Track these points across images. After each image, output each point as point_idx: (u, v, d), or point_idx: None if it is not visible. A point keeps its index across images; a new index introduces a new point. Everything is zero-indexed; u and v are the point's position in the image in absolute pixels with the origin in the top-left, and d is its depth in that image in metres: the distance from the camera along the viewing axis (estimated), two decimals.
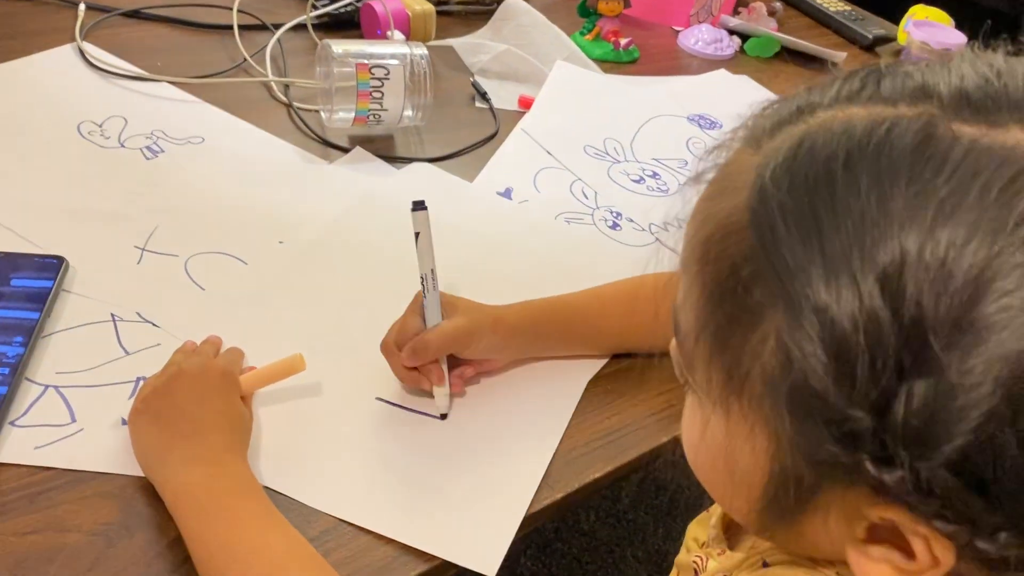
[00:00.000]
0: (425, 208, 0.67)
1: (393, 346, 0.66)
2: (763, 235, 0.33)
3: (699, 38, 1.33)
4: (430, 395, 0.67)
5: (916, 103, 0.33)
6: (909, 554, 0.34)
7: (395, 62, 0.93)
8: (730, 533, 0.53)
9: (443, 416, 0.67)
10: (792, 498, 0.37)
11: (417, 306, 0.67)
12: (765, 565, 0.43)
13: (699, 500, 0.55)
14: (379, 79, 0.92)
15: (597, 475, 0.65)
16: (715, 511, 0.54)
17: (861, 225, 0.31)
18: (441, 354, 0.67)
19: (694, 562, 0.54)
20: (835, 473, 0.34)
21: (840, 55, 1.35)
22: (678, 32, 1.37)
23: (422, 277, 0.67)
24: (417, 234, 0.67)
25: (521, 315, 0.71)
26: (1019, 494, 0.31)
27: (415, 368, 0.66)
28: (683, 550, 0.57)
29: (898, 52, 1.44)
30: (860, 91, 0.35)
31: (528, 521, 0.62)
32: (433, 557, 0.58)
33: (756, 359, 0.34)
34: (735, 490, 0.40)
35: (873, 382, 0.30)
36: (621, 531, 1.58)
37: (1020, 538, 0.32)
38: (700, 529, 0.56)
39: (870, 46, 1.45)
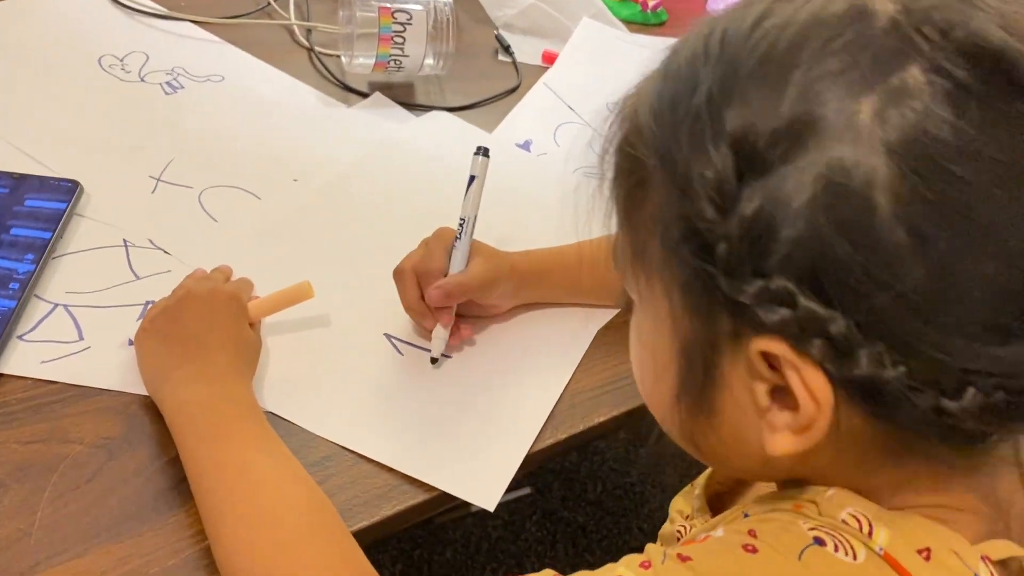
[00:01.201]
0: (488, 156, 0.68)
1: (409, 274, 0.66)
2: (644, 111, 0.38)
3: (729, 3, 1.31)
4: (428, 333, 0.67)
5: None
6: (797, 408, 0.36)
7: (418, 7, 0.92)
8: (714, 504, 0.52)
9: (434, 360, 0.66)
10: (699, 371, 0.39)
11: (442, 242, 0.67)
12: (746, 516, 0.43)
13: None
14: (401, 24, 0.91)
15: (602, 419, 0.65)
16: (699, 483, 0.54)
17: (710, 89, 0.36)
18: (467, 298, 0.66)
19: (677, 531, 0.54)
20: (716, 319, 0.37)
21: None
22: None
23: (462, 220, 0.67)
24: (472, 177, 0.68)
25: (532, 263, 0.71)
26: (854, 293, 0.33)
27: (422, 303, 0.66)
28: (667, 522, 0.56)
29: None
30: None
31: (530, 460, 0.61)
32: (432, 488, 0.58)
33: (647, 222, 0.39)
34: (659, 385, 0.43)
35: (716, 190, 0.35)
36: (628, 503, 1.58)
37: (880, 358, 0.33)
38: (684, 502, 0.55)
39: None
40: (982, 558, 0.38)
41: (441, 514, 0.59)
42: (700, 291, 0.37)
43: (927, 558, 0.36)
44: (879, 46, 0.33)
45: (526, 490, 1.53)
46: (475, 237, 0.69)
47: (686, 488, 0.56)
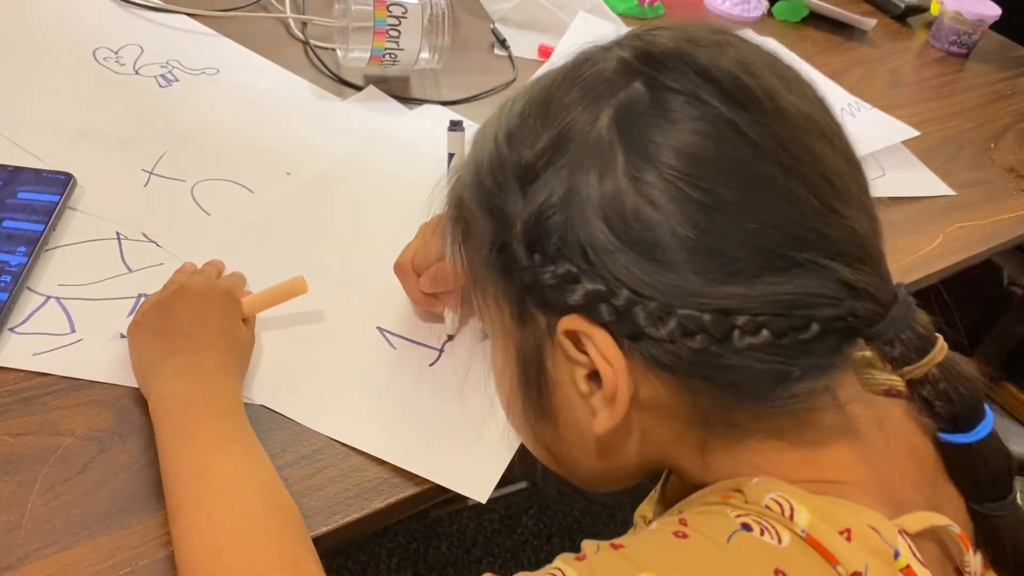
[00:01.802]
0: (463, 129, 0.66)
1: (409, 267, 0.66)
2: (464, 179, 0.46)
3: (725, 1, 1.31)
4: (437, 321, 0.68)
5: None
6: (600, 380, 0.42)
7: (414, 1, 0.91)
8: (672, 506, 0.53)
9: (450, 337, 0.67)
10: (533, 375, 0.45)
11: (434, 230, 0.66)
12: (680, 513, 0.44)
13: None
14: (396, 17, 0.91)
15: None
16: (658, 488, 0.55)
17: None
18: (453, 285, 0.66)
19: None
20: (533, 319, 0.43)
21: (870, 22, 1.33)
22: None
23: None
24: (451, 155, 0.66)
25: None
26: (615, 259, 0.39)
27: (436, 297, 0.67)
28: (631, 529, 0.56)
29: (930, 23, 1.40)
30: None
31: (523, 452, 0.61)
32: (424, 481, 0.58)
33: (471, 253, 0.46)
34: (512, 401, 0.48)
35: (512, 205, 0.42)
36: (624, 496, 1.58)
37: (652, 313, 0.39)
38: (647, 507, 0.56)
39: (901, 15, 1.42)
40: (900, 532, 0.40)
41: (437, 507, 0.59)
42: (515, 297, 0.43)
43: (848, 538, 0.38)
44: (610, 74, 0.41)
45: (522, 484, 1.53)
46: None
47: (650, 495, 0.56)
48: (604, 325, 0.40)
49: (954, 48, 1.35)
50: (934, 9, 1.41)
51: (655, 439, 0.45)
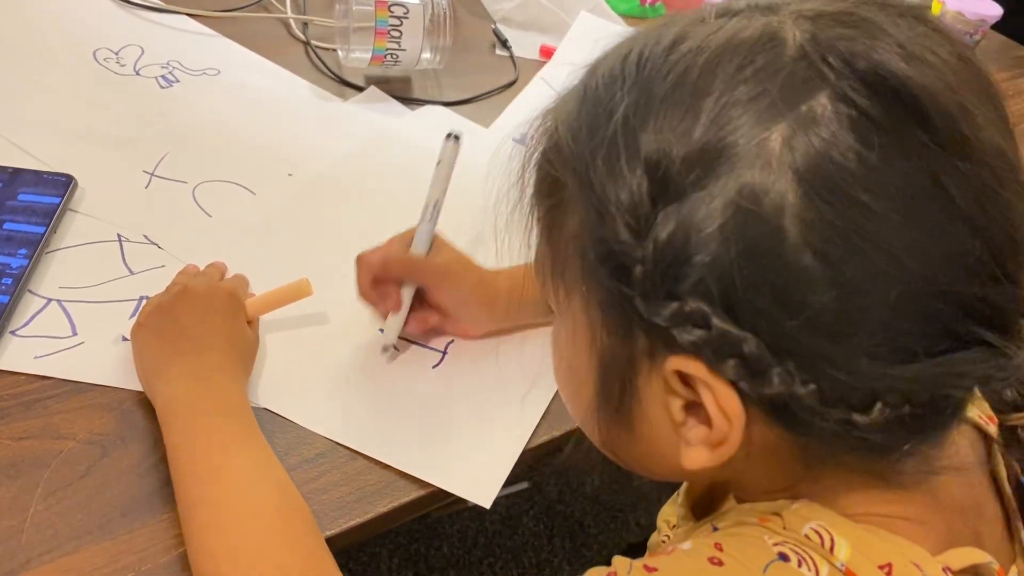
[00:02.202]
0: (458, 141, 0.65)
1: (364, 259, 0.63)
2: (564, 129, 0.39)
3: None
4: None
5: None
6: (710, 423, 0.37)
7: (415, 1, 0.91)
8: (697, 512, 0.52)
9: (385, 348, 0.64)
10: (616, 385, 0.40)
11: (407, 235, 0.65)
12: (715, 530, 0.43)
13: None
14: (398, 17, 0.90)
15: None
16: (681, 491, 0.54)
17: (626, 111, 0.36)
18: (405, 277, 0.63)
19: (662, 541, 0.54)
20: (632, 337, 0.38)
21: None
22: None
23: (426, 204, 0.64)
24: (440, 162, 0.65)
25: (504, 280, 0.67)
26: (765, 315, 0.34)
27: (381, 291, 0.64)
28: (655, 533, 0.56)
29: None
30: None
31: (525, 457, 0.61)
32: (427, 484, 0.57)
33: (566, 239, 0.40)
34: (579, 394, 0.44)
35: (632, 214, 0.35)
36: (625, 498, 1.58)
37: (790, 377, 0.35)
38: (671, 510, 0.55)
39: None
40: (944, 569, 0.38)
41: (438, 508, 0.58)
42: (617, 310, 0.38)
43: (888, 573, 0.37)
44: (788, 74, 0.34)
45: (524, 484, 1.53)
46: (471, 234, 0.68)
47: (673, 497, 0.56)
48: (726, 377, 0.36)
49: None
50: (935, 9, 1.40)
51: (742, 468, 0.40)
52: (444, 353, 0.67)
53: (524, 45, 1.08)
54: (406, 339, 0.67)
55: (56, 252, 0.67)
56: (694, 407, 0.38)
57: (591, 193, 0.37)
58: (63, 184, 0.70)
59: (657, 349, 0.37)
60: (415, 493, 0.57)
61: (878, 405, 0.35)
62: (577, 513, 1.54)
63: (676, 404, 0.39)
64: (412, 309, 0.65)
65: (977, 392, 0.40)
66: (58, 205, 0.68)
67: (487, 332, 0.68)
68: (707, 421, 0.37)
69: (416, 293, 0.64)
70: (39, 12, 0.92)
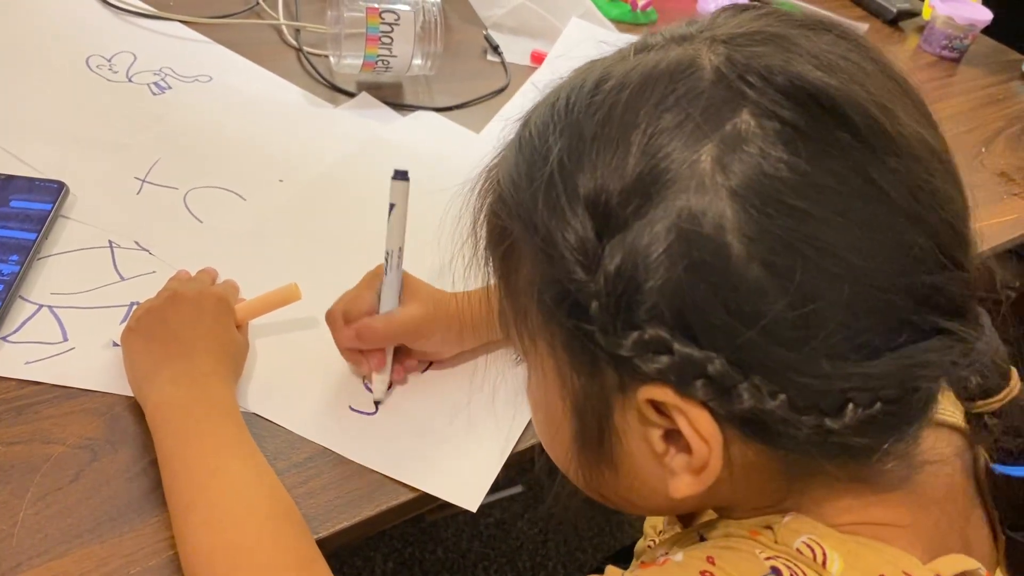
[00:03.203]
0: (407, 179, 0.61)
1: (339, 316, 0.62)
2: (505, 181, 0.40)
3: (719, 3, 1.31)
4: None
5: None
6: (690, 450, 0.37)
7: (406, 8, 0.92)
8: (685, 518, 0.53)
9: (377, 405, 0.63)
10: (592, 426, 0.40)
11: (375, 280, 0.63)
12: (702, 539, 0.43)
13: None
14: (389, 24, 0.91)
15: None
16: None
17: (560, 153, 0.37)
18: (388, 344, 0.62)
19: (648, 546, 0.54)
20: (601, 374, 0.38)
21: (861, 27, 1.33)
22: None
23: (387, 253, 0.61)
24: (392, 206, 0.61)
25: (477, 303, 0.63)
26: (723, 332, 0.34)
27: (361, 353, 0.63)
28: (642, 538, 0.56)
29: (922, 28, 1.41)
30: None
31: (513, 459, 0.62)
32: (415, 488, 0.58)
33: (522, 287, 0.40)
34: (557, 440, 0.44)
35: (580, 251, 0.36)
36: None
37: (758, 390, 0.35)
38: (657, 517, 0.55)
39: (894, 20, 1.42)
40: None
41: (432, 512, 0.59)
42: (581, 349, 0.38)
43: None
44: (708, 96, 0.35)
45: (517, 488, 1.53)
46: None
47: None
48: (696, 399, 0.36)
49: (946, 52, 1.36)
50: (926, 14, 1.41)
51: (728, 491, 0.40)
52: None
53: (515, 51, 1.09)
54: None
55: (47, 258, 0.67)
56: (673, 435, 0.38)
57: (537, 237, 0.37)
58: (55, 191, 0.71)
59: (627, 382, 0.37)
60: (403, 497, 0.58)
61: (849, 406, 0.35)
62: (572, 517, 1.54)
63: (655, 434, 0.38)
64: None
65: (944, 391, 0.41)
66: (49, 211, 0.69)
67: (464, 350, 0.67)
68: (687, 448, 0.37)
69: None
70: (32, 19, 0.93)
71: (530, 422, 0.64)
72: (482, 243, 0.43)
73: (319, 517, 0.55)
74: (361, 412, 0.62)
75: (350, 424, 0.61)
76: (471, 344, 0.67)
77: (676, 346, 0.35)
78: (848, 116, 0.34)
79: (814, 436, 0.36)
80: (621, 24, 1.20)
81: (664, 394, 0.36)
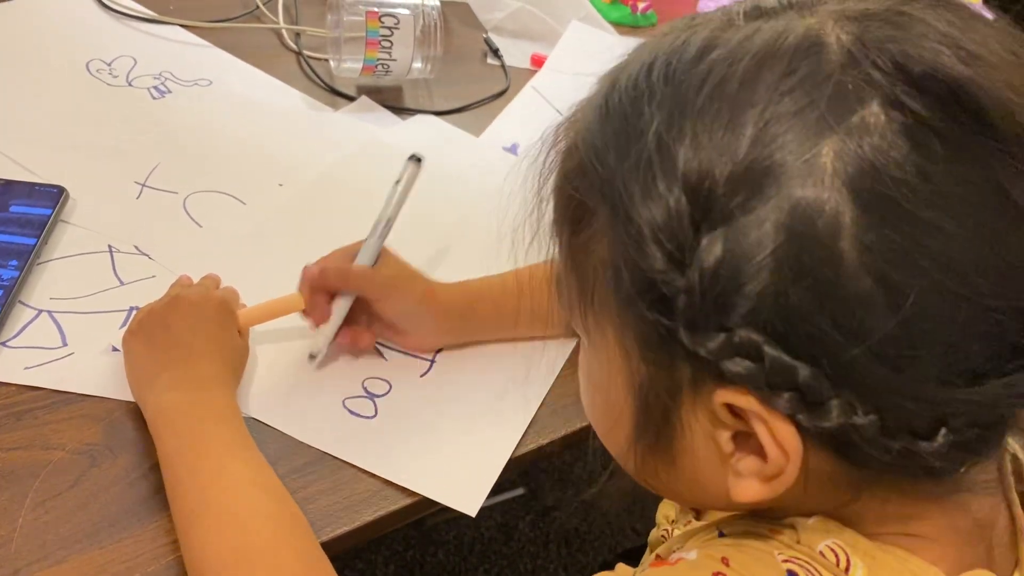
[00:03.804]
0: (420, 164, 0.65)
1: (306, 269, 0.63)
2: (587, 150, 0.36)
3: (720, 5, 1.31)
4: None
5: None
6: (764, 456, 0.35)
7: (405, 11, 0.92)
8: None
9: (311, 356, 0.63)
10: (656, 417, 0.38)
11: (355, 247, 0.64)
12: (721, 535, 0.42)
13: None
14: (389, 28, 0.91)
15: (584, 424, 0.65)
16: None
17: (658, 128, 0.34)
18: (341, 288, 0.63)
19: (662, 536, 0.54)
20: (674, 368, 0.35)
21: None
22: None
23: (377, 220, 0.64)
24: (398, 181, 0.65)
25: (455, 294, 0.66)
26: (822, 344, 0.32)
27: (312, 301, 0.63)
28: (655, 528, 0.56)
29: None
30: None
31: (511, 465, 0.61)
32: (414, 493, 0.58)
33: (595, 266, 0.37)
34: (615, 426, 0.41)
35: (672, 240, 0.33)
36: (621, 503, 1.58)
37: (851, 408, 0.33)
38: (670, 506, 0.55)
39: None
40: None
41: (434, 515, 0.59)
42: (657, 341, 0.35)
43: None
44: (836, 82, 0.32)
45: (519, 491, 1.53)
46: (463, 244, 0.68)
47: None
48: (780, 410, 0.33)
49: None
50: None
51: (793, 496, 0.37)
52: (432, 362, 0.67)
53: (515, 54, 1.09)
54: (394, 348, 0.67)
55: (47, 263, 0.67)
56: (743, 437, 0.36)
57: (625, 219, 0.34)
58: (54, 195, 0.71)
59: (702, 380, 0.35)
60: (403, 501, 0.57)
61: (943, 431, 0.33)
62: (574, 520, 1.54)
63: (724, 435, 0.36)
64: (355, 324, 0.64)
65: None
66: (49, 216, 0.69)
67: (439, 346, 0.67)
68: (759, 452, 0.35)
69: (367, 309, 0.64)
70: (32, 23, 0.93)
71: (530, 426, 0.64)
72: (549, 215, 0.39)
73: (318, 522, 0.55)
74: (360, 416, 0.62)
75: (349, 428, 0.61)
76: (450, 335, 0.67)
77: (768, 352, 0.32)
78: (988, 116, 0.31)
79: (899, 457, 0.34)
80: (621, 27, 1.20)
81: (746, 400, 0.34)
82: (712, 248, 0.32)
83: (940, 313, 0.31)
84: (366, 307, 0.64)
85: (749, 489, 0.36)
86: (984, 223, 0.31)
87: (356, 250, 0.64)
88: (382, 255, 0.64)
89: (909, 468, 0.34)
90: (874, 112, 0.31)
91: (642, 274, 0.34)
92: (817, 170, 0.31)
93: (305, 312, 0.64)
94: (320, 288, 0.63)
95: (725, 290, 0.32)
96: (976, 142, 0.31)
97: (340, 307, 0.63)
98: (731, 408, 0.35)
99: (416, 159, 0.65)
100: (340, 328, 0.64)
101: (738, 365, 0.33)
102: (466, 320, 0.67)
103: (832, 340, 0.32)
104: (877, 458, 0.34)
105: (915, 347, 0.32)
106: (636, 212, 0.34)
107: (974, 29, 0.33)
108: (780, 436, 0.34)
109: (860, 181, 0.31)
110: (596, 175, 0.36)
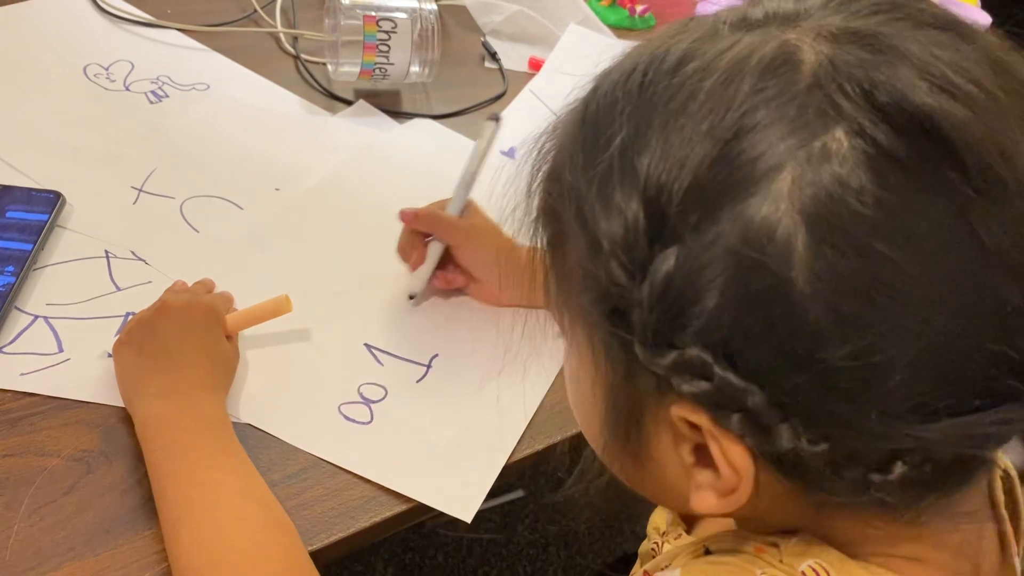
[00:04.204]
0: (499, 122, 0.71)
1: (404, 210, 0.69)
2: (561, 155, 0.37)
3: (718, 7, 1.31)
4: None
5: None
6: (718, 470, 0.35)
7: (403, 16, 0.92)
8: (688, 519, 0.52)
9: (410, 297, 0.69)
10: (625, 419, 0.38)
11: (447, 200, 0.70)
12: (707, 552, 0.42)
13: None
14: (386, 32, 0.91)
15: (579, 428, 0.65)
16: None
17: (624, 140, 0.34)
18: (439, 231, 0.69)
19: (652, 548, 0.54)
20: (637, 376, 0.35)
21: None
22: (697, 1, 1.35)
23: (462, 174, 0.70)
24: (480, 138, 0.71)
25: (525, 260, 0.68)
26: (771, 369, 0.31)
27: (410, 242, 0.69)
28: (646, 539, 0.56)
29: None
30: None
31: (508, 470, 0.62)
32: (410, 499, 0.58)
33: (571, 267, 0.37)
34: (589, 421, 0.42)
35: (627, 252, 0.33)
36: (621, 507, 1.58)
37: (800, 435, 0.32)
38: (660, 517, 0.55)
39: None
40: None
41: (433, 517, 0.59)
42: (619, 350, 0.35)
43: None
44: (800, 104, 0.31)
45: (518, 493, 1.53)
46: None
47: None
48: (732, 431, 0.33)
49: None
50: None
51: (750, 509, 0.37)
52: (428, 367, 0.67)
53: (513, 57, 1.09)
54: (389, 353, 0.67)
55: (43, 269, 0.68)
56: (703, 449, 0.36)
57: (586, 229, 0.35)
58: (51, 201, 0.71)
59: (664, 391, 0.35)
60: (398, 507, 0.58)
61: (898, 464, 0.32)
62: (572, 522, 1.54)
63: (685, 447, 0.36)
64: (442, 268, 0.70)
65: None
66: (46, 222, 0.69)
67: (516, 303, 0.70)
68: (715, 467, 0.35)
69: (451, 258, 0.70)
70: (29, 28, 0.93)
71: (526, 430, 0.64)
72: (533, 213, 0.40)
73: (314, 529, 0.55)
74: (355, 421, 0.62)
75: (344, 434, 0.61)
76: (523, 294, 0.66)
77: (717, 373, 0.32)
78: (957, 152, 0.30)
79: (852, 486, 0.33)
80: (619, 30, 1.20)
81: (698, 418, 0.34)
82: (664, 265, 0.32)
83: (894, 348, 0.31)
84: (450, 256, 0.70)
85: (707, 501, 0.36)
86: (946, 260, 0.30)
87: (443, 202, 0.70)
88: (469, 207, 0.70)
89: (863, 499, 0.34)
90: (837, 138, 0.30)
91: (600, 286, 0.34)
92: (773, 194, 0.30)
93: (402, 254, 0.70)
94: (414, 230, 0.69)
95: (676, 307, 0.32)
96: (942, 176, 0.30)
97: (434, 250, 0.69)
98: (689, 422, 0.35)
99: (495, 118, 0.70)
100: (434, 271, 0.70)
101: (689, 383, 0.33)
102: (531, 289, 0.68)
103: (781, 366, 0.31)
104: (830, 484, 0.34)
105: (865, 380, 0.31)
106: (596, 223, 0.34)
107: (960, 54, 0.32)
108: (731, 455, 0.34)
109: (815, 208, 0.30)
110: (565, 181, 0.36)
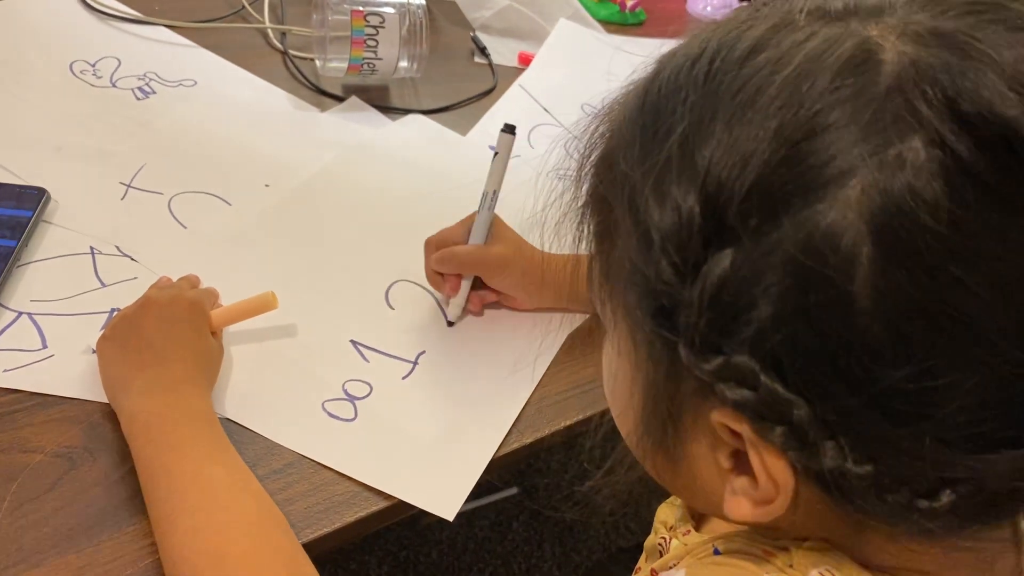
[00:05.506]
0: (513, 133, 0.69)
1: (432, 243, 0.69)
2: (618, 141, 0.36)
3: (709, 3, 1.31)
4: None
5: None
6: (756, 478, 0.34)
7: (391, 10, 0.92)
8: (697, 514, 0.52)
9: (450, 323, 0.70)
10: (662, 417, 0.37)
11: (470, 219, 0.69)
12: (716, 552, 0.42)
13: None
14: (374, 27, 0.91)
15: (568, 422, 0.65)
16: None
17: (685, 131, 0.32)
18: (465, 271, 0.69)
19: (659, 544, 0.53)
20: (680, 378, 0.34)
21: None
22: None
23: (484, 194, 0.69)
24: (496, 153, 0.70)
25: (559, 269, 0.68)
26: (821, 386, 0.30)
27: (436, 273, 0.69)
28: (651, 534, 0.56)
29: None
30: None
31: (494, 465, 0.61)
32: (393, 496, 0.57)
33: (619, 258, 0.36)
34: (625, 416, 0.40)
35: (679, 251, 0.32)
36: (616, 503, 1.58)
37: (846, 454, 0.31)
38: (668, 511, 0.55)
39: None
40: None
41: (426, 514, 0.59)
42: (662, 349, 0.34)
43: None
44: (878, 108, 0.29)
45: (513, 490, 1.53)
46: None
47: (671, 497, 0.55)
48: (774, 443, 0.32)
49: None
50: None
51: (786, 520, 0.36)
52: (414, 364, 0.67)
53: (503, 52, 1.08)
54: (375, 350, 0.67)
55: (28, 265, 0.67)
56: (742, 456, 0.34)
57: (637, 219, 0.33)
58: (35, 198, 0.70)
59: (706, 394, 0.33)
60: (383, 503, 0.57)
61: (946, 491, 0.31)
62: (567, 518, 1.54)
63: (723, 451, 0.35)
64: (473, 288, 0.70)
65: None
66: (30, 218, 0.69)
67: (548, 307, 0.72)
68: (753, 474, 0.34)
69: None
70: (15, 24, 0.93)
71: (512, 427, 0.63)
72: (582, 198, 0.38)
73: (298, 524, 0.55)
74: (339, 418, 0.62)
75: (328, 430, 0.61)
76: (549, 302, 0.72)
77: (764, 383, 0.31)
78: None
79: (895, 509, 0.32)
80: (609, 25, 1.20)
81: (740, 426, 0.33)
82: (718, 267, 0.31)
83: (955, 374, 0.29)
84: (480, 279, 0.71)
85: (742, 508, 0.35)
86: (1019, 285, 0.29)
87: (470, 224, 0.69)
88: (495, 226, 0.69)
89: (904, 523, 0.33)
90: (913, 148, 0.28)
91: (648, 284, 0.33)
92: (840, 201, 0.29)
93: (434, 286, 0.71)
94: (450, 270, 0.69)
95: (728, 313, 0.31)
96: (1022, 194, 0.28)
97: (465, 284, 0.70)
98: (730, 429, 0.34)
99: (509, 129, 0.69)
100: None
101: (733, 391, 0.32)
102: (563, 293, 0.71)
103: (832, 382, 0.30)
104: (872, 506, 0.32)
105: (923, 404, 0.30)
106: (649, 216, 0.32)
107: None
108: (771, 467, 0.33)
109: (884, 220, 0.28)
110: (619, 170, 0.35)
